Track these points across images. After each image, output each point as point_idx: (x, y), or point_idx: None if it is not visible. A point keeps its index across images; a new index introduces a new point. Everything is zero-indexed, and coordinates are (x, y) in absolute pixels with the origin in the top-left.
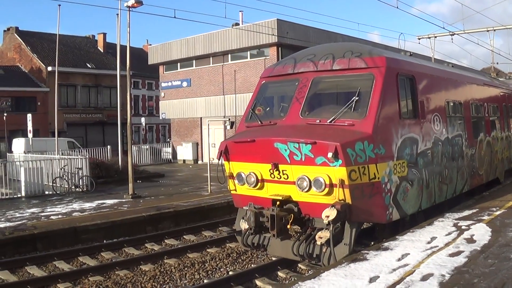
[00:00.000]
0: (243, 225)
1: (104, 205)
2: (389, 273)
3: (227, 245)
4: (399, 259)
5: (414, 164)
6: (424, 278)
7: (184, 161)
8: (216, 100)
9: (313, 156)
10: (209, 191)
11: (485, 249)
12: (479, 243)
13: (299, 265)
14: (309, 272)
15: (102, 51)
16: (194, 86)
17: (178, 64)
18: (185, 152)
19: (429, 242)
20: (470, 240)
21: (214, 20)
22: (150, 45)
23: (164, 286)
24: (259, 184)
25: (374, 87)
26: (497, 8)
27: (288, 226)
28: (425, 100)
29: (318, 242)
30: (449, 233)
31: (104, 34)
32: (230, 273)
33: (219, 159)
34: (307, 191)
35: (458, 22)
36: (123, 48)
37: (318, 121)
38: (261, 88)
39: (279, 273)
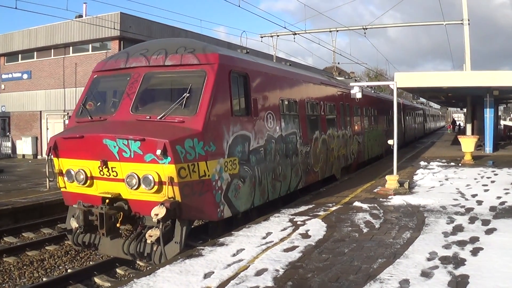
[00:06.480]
0: (73, 224)
1: None
2: (224, 269)
3: (65, 242)
4: (234, 255)
5: (246, 162)
6: (259, 273)
7: (23, 156)
8: (56, 94)
9: (142, 153)
10: (47, 187)
11: (320, 244)
12: (314, 238)
13: (138, 262)
14: (147, 268)
15: None
16: (34, 79)
17: (19, 55)
18: (24, 147)
19: (264, 238)
20: (305, 235)
21: (58, 12)
22: None
23: (4, 285)
24: (89, 181)
25: (205, 84)
26: (347, 8)
27: (118, 225)
28: (258, 98)
29: (149, 241)
30: (285, 229)
31: None
32: (69, 271)
33: (48, 155)
34: (136, 188)
35: (301, 21)
36: None
37: (148, 117)
38: (93, 82)
39: (118, 270)
